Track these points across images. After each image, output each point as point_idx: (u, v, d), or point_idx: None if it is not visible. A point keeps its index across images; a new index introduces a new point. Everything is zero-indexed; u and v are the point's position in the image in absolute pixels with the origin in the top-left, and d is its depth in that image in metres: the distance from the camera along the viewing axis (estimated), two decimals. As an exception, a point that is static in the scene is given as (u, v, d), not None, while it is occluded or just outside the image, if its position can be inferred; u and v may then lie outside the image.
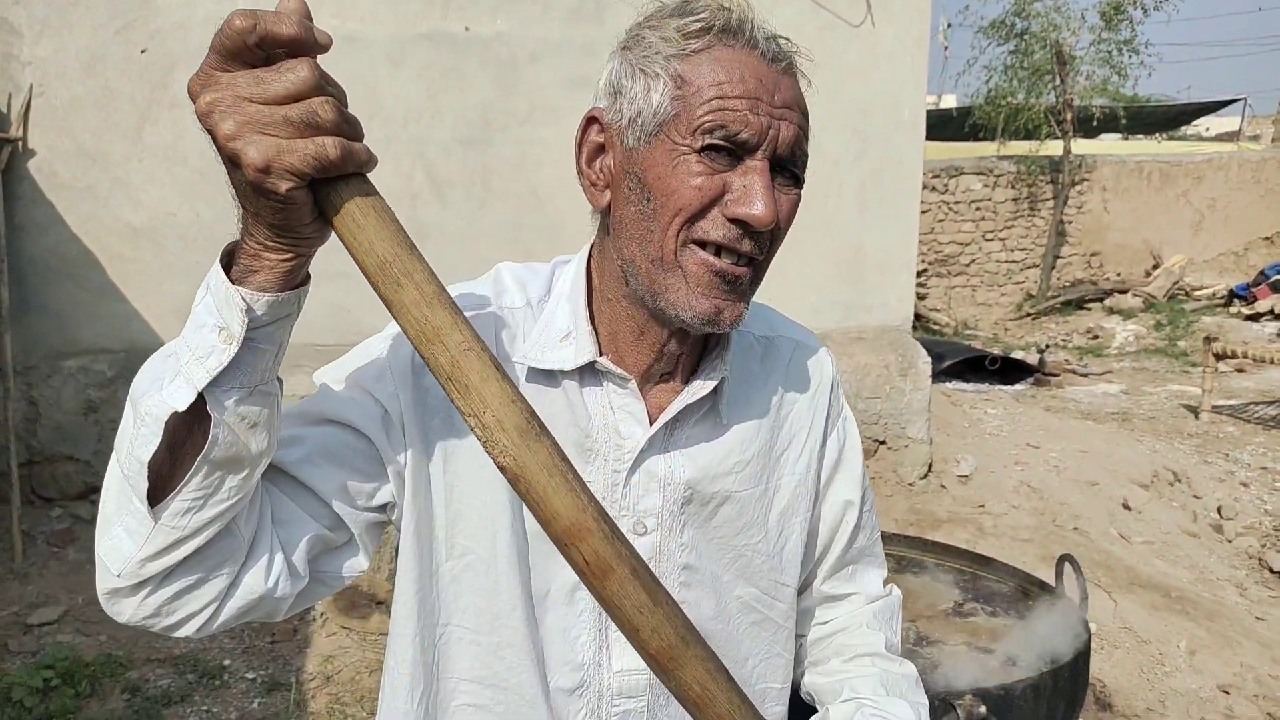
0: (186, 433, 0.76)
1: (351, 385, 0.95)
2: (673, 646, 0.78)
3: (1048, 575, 2.94)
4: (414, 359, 0.93)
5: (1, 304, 4.08)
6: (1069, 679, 2.48)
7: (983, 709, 2.17)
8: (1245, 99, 20.56)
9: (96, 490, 4.41)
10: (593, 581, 0.76)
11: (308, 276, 0.79)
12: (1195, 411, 7.35)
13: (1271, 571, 4.67)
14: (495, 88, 4.54)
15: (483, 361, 0.74)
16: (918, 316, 10.92)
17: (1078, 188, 12.54)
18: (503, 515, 0.95)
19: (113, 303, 4.40)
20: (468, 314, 0.91)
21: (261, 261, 0.73)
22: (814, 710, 1.17)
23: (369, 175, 0.75)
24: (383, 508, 0.95)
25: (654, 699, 1.00)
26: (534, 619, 0.97)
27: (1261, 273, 11.86)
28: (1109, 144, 16.57)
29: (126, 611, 0.83)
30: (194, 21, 4.27)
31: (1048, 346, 10.20)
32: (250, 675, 3.34)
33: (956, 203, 12.11)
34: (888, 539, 3.19)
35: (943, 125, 16.16)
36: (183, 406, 0.73)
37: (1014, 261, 12.51)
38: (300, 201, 0.69)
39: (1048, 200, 12.41)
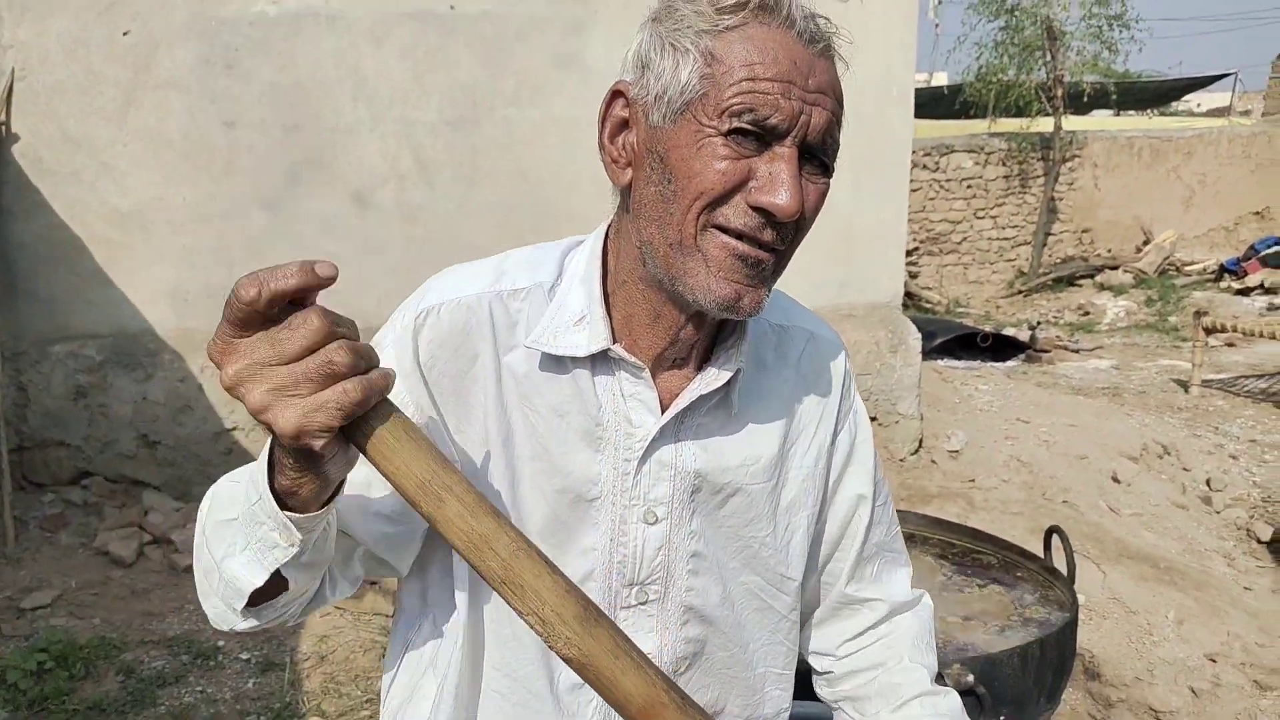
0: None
1: None
2: None
3: (1037, 548, 2.96)
4: (415, 359, 0.93)
5: (-12, 290, 4.07)
6: (1056, 648, 2.51)
7: (970, 678, 2.19)
8: (1236, 74, 20.51)
9: (87, 475, 4.42)
10: None
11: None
12: (1185, 386, 7.38)
13: (1259, 542, 4.72)
14: (482, 67, 4.51)
15: (533, 559, 0.76)
16: (910, 295, 10.93)
17: (1069, 164, 12.53)
18: (507, 510, 0.95)
19: (101, 287, 4.38)
20: (479, 294, 0.94)
21: (301, 487, 0.77)
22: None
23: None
24: None
25: None
26: None
27: (1251, 247, 11.89)
28: (1100, 120, 16.54)
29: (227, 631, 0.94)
30: (176, 3, 4.24)
31: (1039, 323, 10.22)
32: (245, 656, 3.35)
33: (948, 180, 12.10)
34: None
35: (934, 103, 16.12)
36: (261, 584, 0.82)
37: (1005, 239, 12.52)
38: (334, 446, 0.73)
39: (1039, 177, 12.40)
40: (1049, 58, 12.42)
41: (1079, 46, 12.55)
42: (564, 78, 4.55)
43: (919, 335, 5.19)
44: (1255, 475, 5.52)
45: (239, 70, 4.33)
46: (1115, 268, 12.17)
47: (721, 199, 0.83)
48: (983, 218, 12.37)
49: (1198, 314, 7.60)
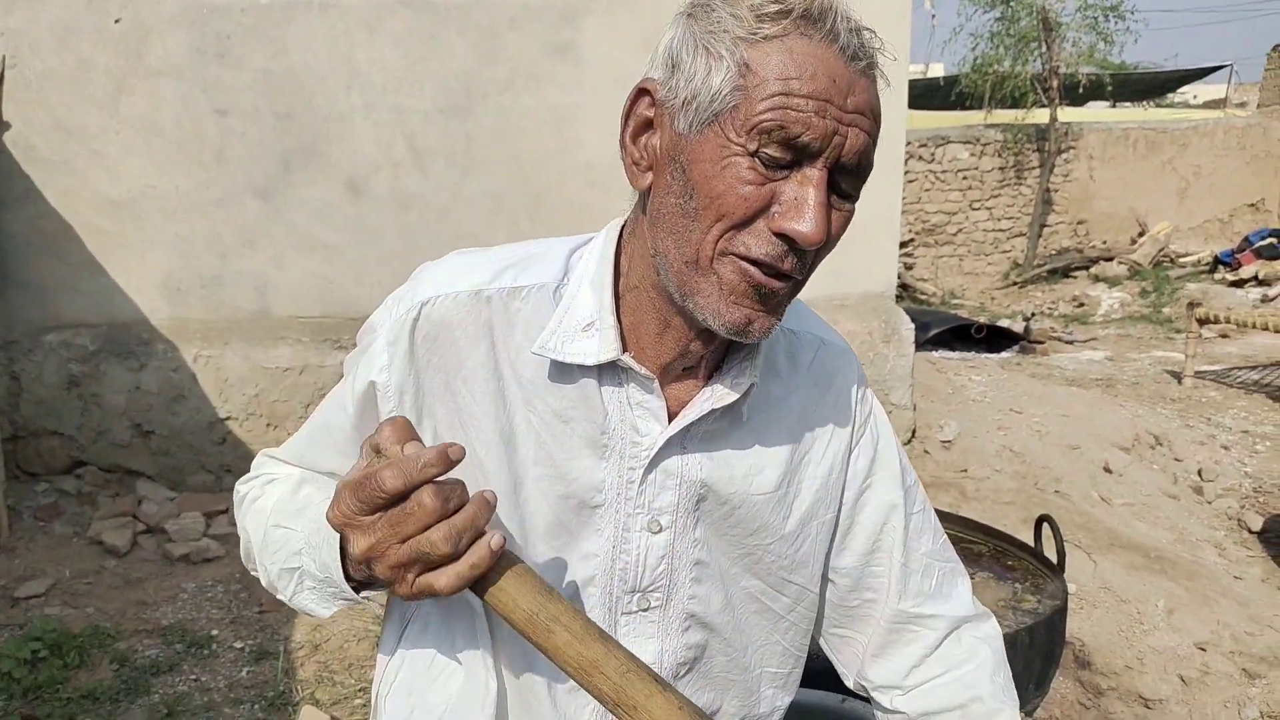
0: None
1: (342, 430, 1.00)
2: None
3: (1028, 537, 2.98)
4: (409, 352, 0.93)
5: (-20, 278, 4.06)
6: (1045, 636, 2.52)
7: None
8: (1231, 65, 20.56)
9: (81, 464, 4.42)
10: None
11: None
12: (1178, 377, 7.40)
13: (1250, 532, 4.74)
14: (475, 55, 4.50)
15: (643, 680, 0.79)
16: (905, 286, 10.95)
17: (1064, 156, 12.54)
18: (500, 513, 0.93)
19: (93, 276, 4.37)
20: (477, 290, 0.92)
21: (369, 578, 0.85)
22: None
23: None
24: None
25: None
26: None
27: (1246, 239, 11.91)
28: (1096, 112, 16.56)
29: None
30: (168, -10, 4.22)
31: (1033, 314, 10.24)
32: (238, 644, 3.36)
33: (943, 172, 12.10)
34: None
35: (930, 94, 16.11)
36: (330, 614, 0.91)
37: (1001, 230, 12.53)
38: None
39: (1034, 169, 12.41)
40: (1044, 49, 12.41)
41: (1074, 38, 12.56)
42: (557, 66, 4.53)
43: (912, 326, 5.20)
44: (1247, 466, 5.54)
45: (231, 58, 4.32)
46: (1110, 259, 12.19)
47: (743, 223, 0.79)
48: (978, 209, 12.38)
49: (1191, 305, 7.62)
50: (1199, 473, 5.40)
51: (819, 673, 1.25)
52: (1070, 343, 9.14)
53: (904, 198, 10.96)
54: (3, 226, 4.25)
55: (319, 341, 4.42)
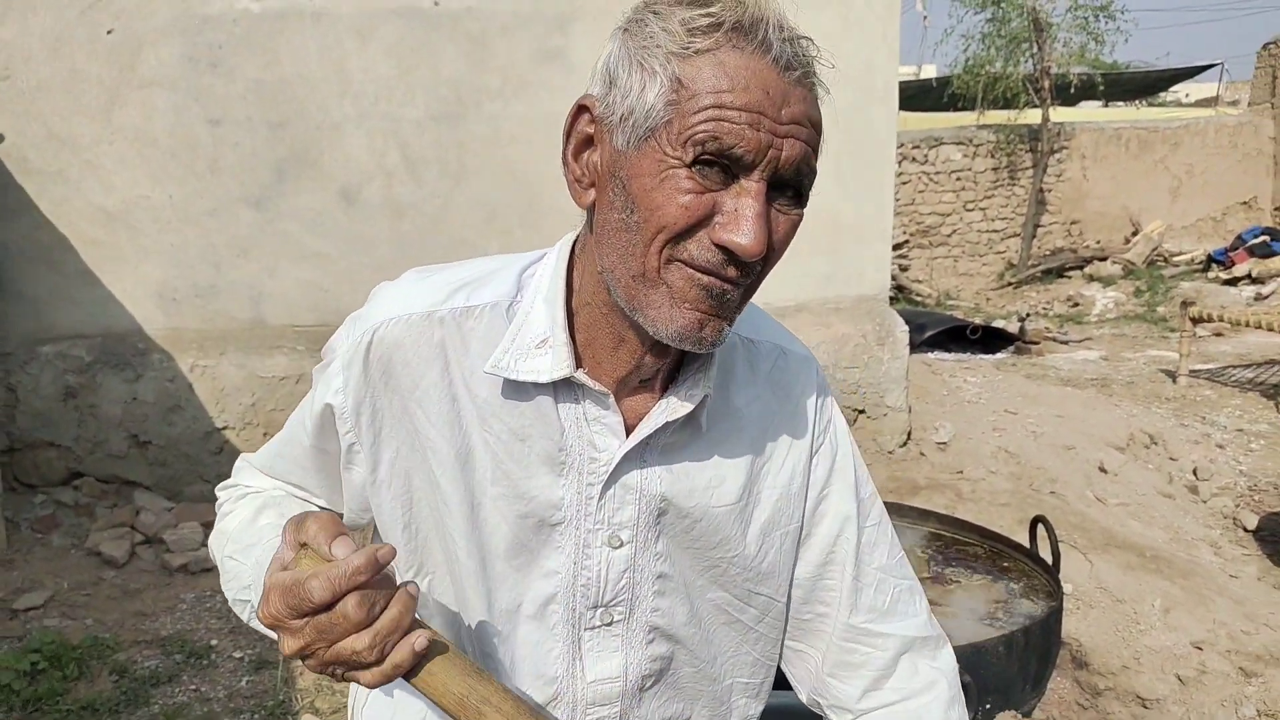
0: None
1: (301, 445, 1.02)
2: None
3: (1024, 538, 2.99)
4: (364, 376, 0.94)
5: (-26, 291, 4.06)
6: (1041, 637, 2.53)
7: (955, 666, 2.21)
8: (1223, 64, 20.63)
9: (78, 475, 4.41)
10: None
11: None
12: (1173, 376, 7.43)
13: (1245, 530, 4.75)
14: (467, 63, 4.51)
15: None
16: (900, 288, 10.97)
17: (1056, 156, 12.57)
18: (459, 535, 0.93)
19: (88, 287, 4.38)
20: (430, 312, 0.92)
21: None
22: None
23: None
24: None
25: (626, 704, 0.99)
26: (500, 634, 0.96)
27: (1239, 237, 11.94)
28: (1088, 111, 16.60)
29: None
30: (159, 0, 4.23)
31: (1028, 315, 10.27)
32: (238, 654, 3.36)
33: (937, 173, 12.13)
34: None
35: (922, 95, 16.15)
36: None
37: (995, 231, 12.56)
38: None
39: (1027, 169, 12.44)
40: (1036, 49, 12.45)
41: (1065, 38, 12.59)
42: (549, 73, 4.55)
43: (906, 328, 5.21)
44: (1241, 464, 5.56)
45: (224, 68, 4.33)
46: (1104, 259, 12.22)
47: (684, 233, 0.79)
48: (972, 210, 12.41)
49: (1185, 304, 7.64)
50: (1194, 472, 5.42)
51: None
52: (1065, 343, 9.16)
53: (897, 199, 10.98)
54: (-3, 238, 4.26)
55: (314, 350, 4.43)
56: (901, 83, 5.72)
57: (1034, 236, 12.54)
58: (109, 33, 4.22)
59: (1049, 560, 2.77)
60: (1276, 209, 12.99)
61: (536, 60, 4.53)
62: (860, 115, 4.95)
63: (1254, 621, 3.77)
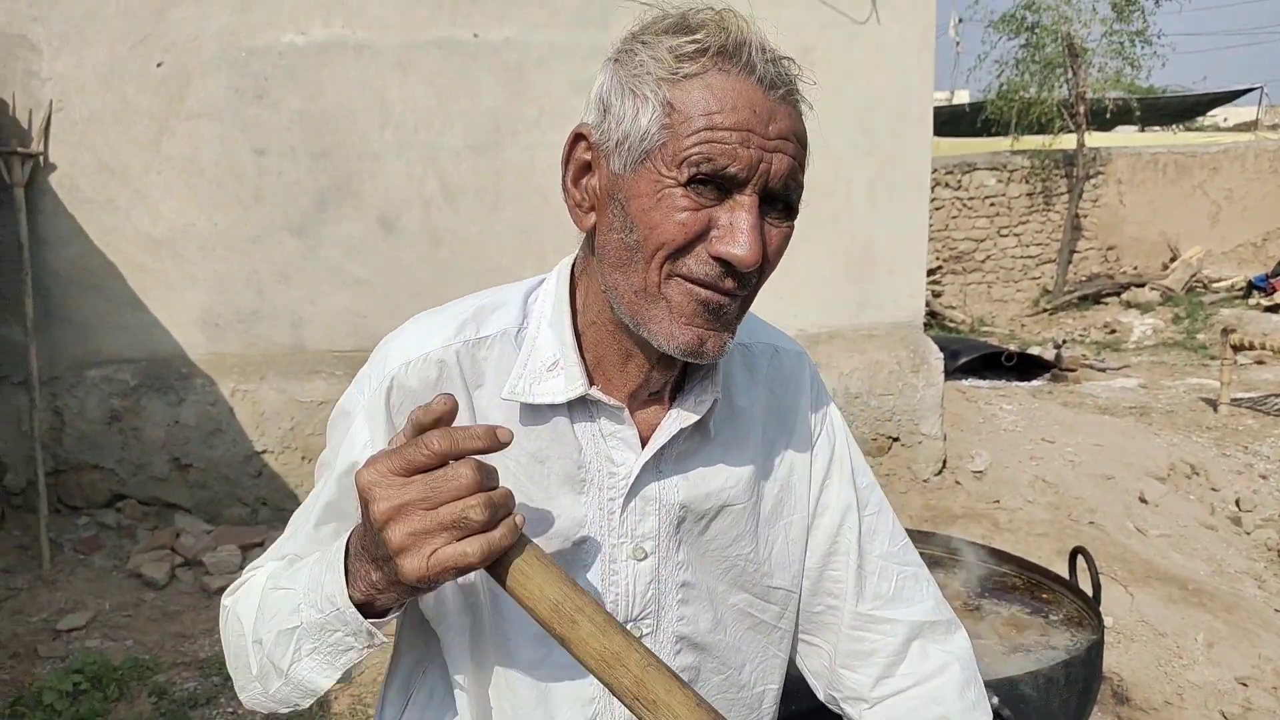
0: None
1: (314, 518, 0.98)
2: None
3: (1063, 569, 2.95)
4: (388, 425, 0.93)
5: (26, 316, 4.17)
6: (1082, 671, 2.49)
7: (994, 700, 2.18)
8: (1262, 88, 20.35)
9: (121, 497, 4.49)
10: None
11: None
12: (1214, 404, 7.30)
13: (1290, 563, 4.66)
14: (504, 93, 4.59)
15: (663, 674, 0.79)
16: (933, 314, 10.90)
17: (1092, 181, 12.47)
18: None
19: (134, 313, 4.48)
20: (444, 347, 0.93)
21: (378, 600, 0.83)
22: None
23: None
24: None
25: None
26: (535, 659, 0.96)
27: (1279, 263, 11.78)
28: (1124, 136, 16.46)
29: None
30: (208, 34, 4.35)
31: (1064, 342, 10.15)
32: (273, 677, 3.39)
33: (970, 199, 12.08)
34: (901, 534, 3.20)
35: (955, 121, 16.10)
36: (333, 684, 0.87)
37: (1030, 257, 12.46)
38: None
39: (1062, 194, 12.35)
40: (1070, 75, 12.39)
41: (1101, 63, 12.52)
42: (584, 103, 4.60)
43: (941, 355, 5.18)
44: (1286, 495, 5.45)
45: (269, 99, 4.43)
46: (1141, 285, 12.07)
47: (683, 249, 0.83)
48: (1006, 235, 12.33)
49: (1225, 331, 7.53)
50: (1237, 503, 5.31)
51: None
52: (1102, 370, 9.04)
53: (931, 225, 10.94)
54: (47, 265, 4.37)
55: (353, 375, 4.47)
56: (935, 108, 5.72)
57: (1069, 262, 12.42)
58: (159, 65, 4.34)
59: (1089, 592, 2.72)
60: (1319, 235, 12.78)
61: (572, 90, 4.59)
62: (894, 141, 4.97)
63: (1301, 658, 3.69)
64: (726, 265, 0.83)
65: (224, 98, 4.41)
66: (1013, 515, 4.78)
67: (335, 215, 4.55)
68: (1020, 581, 3.02)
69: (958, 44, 20.19)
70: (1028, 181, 12.20)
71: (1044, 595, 2.94)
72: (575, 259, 0.97)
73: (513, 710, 0.97)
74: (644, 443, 0.95)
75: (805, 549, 1.07)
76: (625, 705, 0.79)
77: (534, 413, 0.93)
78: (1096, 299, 12.11)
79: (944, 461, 5.25)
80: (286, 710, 0.93)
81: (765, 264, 0.85)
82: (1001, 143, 13.41)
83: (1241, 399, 7.44)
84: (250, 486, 4.51)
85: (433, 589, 0.84)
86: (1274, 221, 13.14)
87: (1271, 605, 4.23)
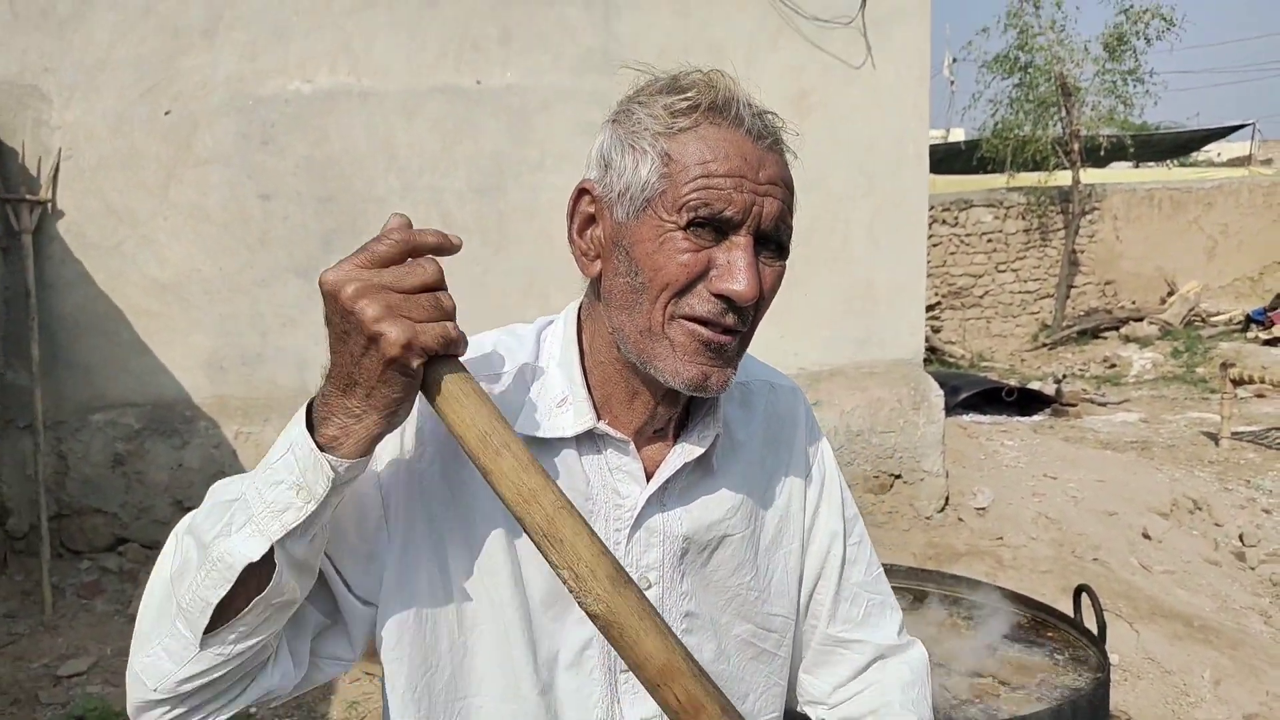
0: (245, 573, 0.81)
1: None
2: None
3: (1067, 607, 2.95)
4: (399, 449, 0.94)
5: (32, 360, 4.20)
6: (1089, 710, 2.49)
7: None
8: (1254, 124, 20.61)
9: (124, 541, 4.49)
10: None
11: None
12: (1215, 438, 7.31)
13: (1296, 599, 4.64)
14: (507, 137, 4.66)
15: (574, 518, 0.81)
16: (933, 349, 10.94)
17: (1088, 217, 12.58)
18: (505, 588, 0.96)
19: (140, 357, 4.50)
20: None
21: (351, 433, 0.80)
22: None
23: None
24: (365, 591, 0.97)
25: None
26: (544, 683, 0.99)
27: (1277, 296, 11.83)
28: (1119, 172, 16.63)
29: (154, 717, 0.88)
30: (215, 82, 4.43)
31: (1064, 376, 10.17)
32: (276, 722, 3.37)
33: (968, 235, 12.18)
34: (905, 573, 3.20)
35: (951, 158, 16.27)
36: (257, 558, 0.79)
37: (1028, 292, 12.53)
38: (418, 378, 0.79)
39: (1059, 230, 12.45)
40: (1064, 113, 12.55)
41: (1094, 101, 12.69)
42: (586, 145, 4.61)
43: (941, 392, 5.20)
44: (1290, 529, 5.44)
45: (275, 145, 4.50)
46: (1140, 319, 12.12)
47: (685, 289, 0.88)
48: (1004, 271, 12.41)
49: (1225, 365, 7.56)
50: (1240, 538, 5.30)
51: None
52: (1103, 405, 9.05)
53: (929, 261, 11.03)
54: (54, 310, 4.41)
55: (356, 416, 4.50)
56: (930, 146, 5.80)
57: (1067, 297, 12.49)
58: (167, 113, 4.42)
59: (1094, 630, 2.72)
60: (1315, 268, 12.86)
61: (574, 133, 4.66)
62: (892, 181, 5.03)
63: (1309, 695, 3.67)
64: (727, 302, 0.88)
65: (231, 144, 4.48)
66: (1016, 552, 4.77)
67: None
68: (1025, 619, 3.01)
69: (952, 83, 20.47)
70: (1024, 218, 12.31)
71: (1049, 633, 2.94)
72: (581, 304, 1.03)
73: None
74: (649, 477, 0.99)
75: (801, 576, 1.14)
76: (534, 542, 0.81)
77: (544, 447, 0.96)
78: (1095, 333, 12.16)
79: (946, 498, 5.24)
80: (168, 683, 0.84)
81: (761, 300, 0.91)
82: (997, 180, 13.55)
83: (1242, 433, 7.44)
84: (253, 529, 4.50)
85: (405, 414, 0.81)
86: (1270, 255, 13.23)
87: (1278, 641, 4.21)
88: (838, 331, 5.06)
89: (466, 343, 0.81)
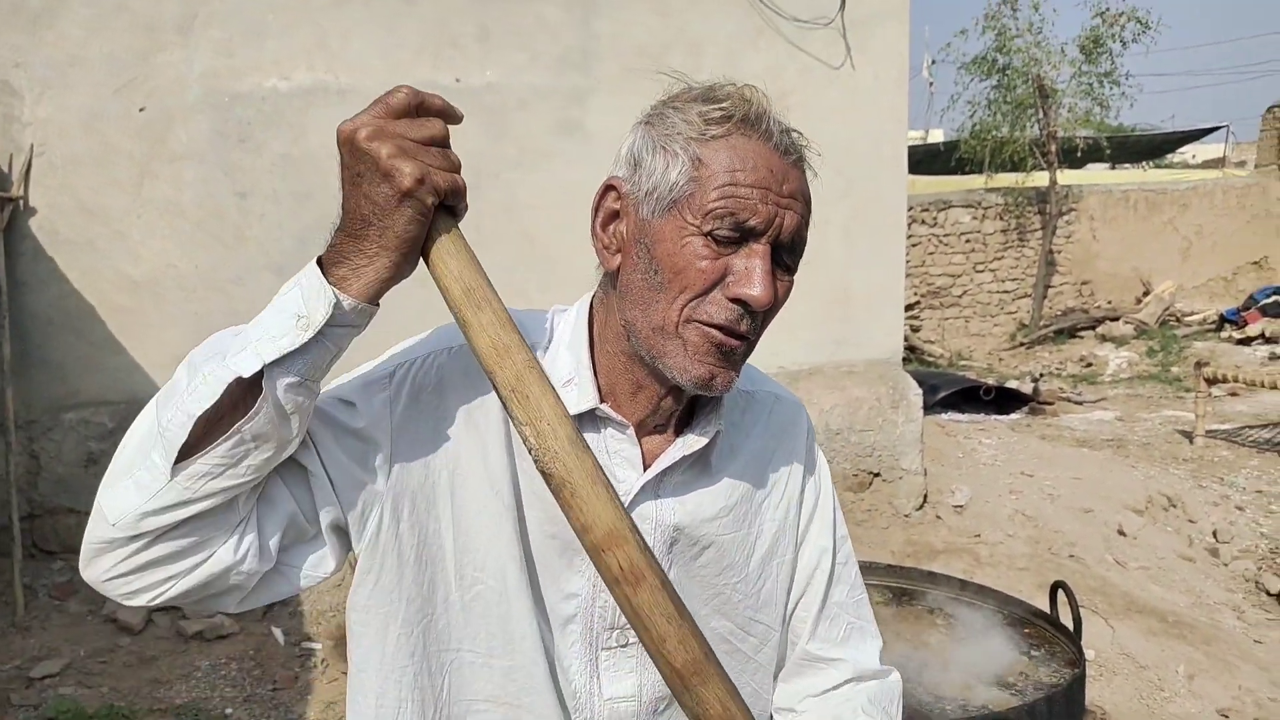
0: (229, 406, 0.81)
1: (349, 407, 0.97)
2: (698, 660, 0.83)
3: (1044, 603, 2.97)
4: (388, 406, 0.96)
5: (3, 359, 4.14)
6: (1064, 705, 2.51)
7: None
8: (1228, 126, 20.86)
9: (97, 541, 4.43)
10: (625, 589, 0.82)
11: (379, 303, 0.88)
12: (1189, 436, 7.39)
13: (1268, 594, 4.69)
14: (485, 135, 4.64)
15: (542, 377, 0.84)
16: (912, 349, 11.00)
17: (1065, 218, 12.69)
18: (511, 546, 0.99)
19: (113, 355, 4.45)
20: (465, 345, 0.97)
21: (362, 274, 0.84)
22: None
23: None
24: (346, 523, 0.96)
25: None
26: (544, 644, 1.01)
27: (1250, 297, 11.98)
28: (1096, 174, 16.78)
29: (103, 566, 0.86)
30: (191, 78, 4.38)
31: (1041, 375, 10.25)
32: (252, 723, 3.34)
33: (946, 235, 12.25)
34: (884, 571, 3.22)
35: (930, 159, 16.38)
36: (248, 374, 0.79)
37: (1006, 292, 12.63)
38: (429, 218, 0.83)
39: (1036, 231, 12.56)
40: (1041, 114, 12.65)
41: (1070, 103, 12.79)
42: (565, 143, 4.66)
43: (919, 391, 5.23)
44: (1262, 526, 5.50)
45: (252, 143, 4.46)
46: (1116, 319, 12.24)
47: (703, 293, 0.91)
48: (982, 271, 12.50)
49: (1199, 365, 7.64)
50: (1214, 534, 5.36)
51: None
52: (1079, 403, 9.13)
53: (908, 261, 11.09)
54: (26, 307, 4.35)
55: (333, 415, 4.47)
56: (909, 147, 5.83)
57: (1045, 297, 12.59)
58: (141, 110, 4.37)
59: (1070, 626, 2.75)
60: (1287, 269, 13.03)
61: (553, 132, 4.65)
62: (870, 183, 5.05)
63: (1281, 689, 3.71)
64: (743, 306, 0.91)
65: (207, 141, 4.43)
66: (993, 549, 4.81)
67: (317, 253, 4.55)
68: (1002, 616, 3.03)
69: (931, 84, 20.59)
70: (1002, 218, 12.40)
71: (1026, 630, 2.96)
72: (594, 295, 1.06)
73: (520, 691, 1.01)
74: (647, 468, 1.02)
75: (790, 589, 1.15)
76: (501, 398, 0.84)
77: None
78: (1072, 333, 12.27)
79: (925, 496, 5.27)
80: (136, 512, 0.83)
81: (773, 308, 0.94)
82: (975, 181, 13.64)
83: (1216, 431, 7.53)
84: (229, 529, 4.46)
85: (411, 264, 0.86)
86: (1243, 256, 13.39)
87: (1251, 636, 4.26)
88: (817, 331, 5.07)
89: (467, 204, 0.86)
